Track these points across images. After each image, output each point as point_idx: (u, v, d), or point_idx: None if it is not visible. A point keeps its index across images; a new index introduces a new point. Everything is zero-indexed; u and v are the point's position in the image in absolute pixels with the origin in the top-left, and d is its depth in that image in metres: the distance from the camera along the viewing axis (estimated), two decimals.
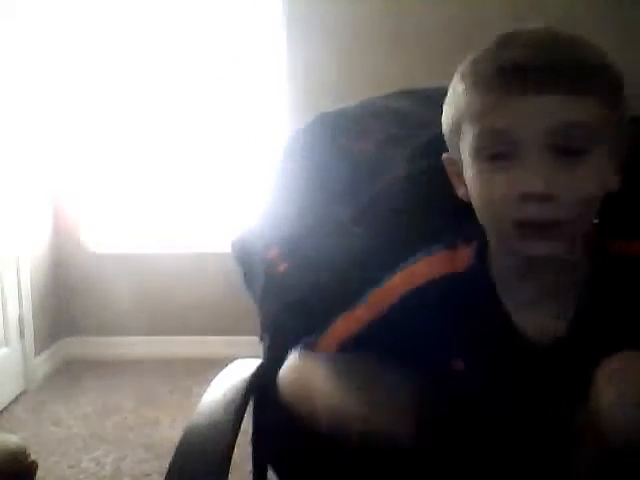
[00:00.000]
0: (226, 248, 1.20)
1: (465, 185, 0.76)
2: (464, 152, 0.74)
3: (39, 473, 1.50)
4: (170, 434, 2.41)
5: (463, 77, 0.73)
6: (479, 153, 0.71)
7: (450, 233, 0.84)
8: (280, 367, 0.89)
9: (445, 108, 0.78)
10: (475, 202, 0.74)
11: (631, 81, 2.65)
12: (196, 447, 0.86)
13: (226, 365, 1.09)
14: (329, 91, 2.60)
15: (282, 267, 1.02)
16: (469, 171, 0.73)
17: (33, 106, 2.95)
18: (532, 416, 0.79)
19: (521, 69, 0.67)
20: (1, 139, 2.69)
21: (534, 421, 0.79)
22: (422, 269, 0.83)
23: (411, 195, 0.99)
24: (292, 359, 0.87)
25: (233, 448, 0.88)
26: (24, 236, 2.84)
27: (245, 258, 1.12)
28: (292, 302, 1.00)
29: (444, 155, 0.81)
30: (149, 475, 2.15)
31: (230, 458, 0.86)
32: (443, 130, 0.79)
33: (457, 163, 0.77)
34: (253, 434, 1.06)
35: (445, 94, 0.79)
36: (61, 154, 3.11)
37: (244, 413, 0.95)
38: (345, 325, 0.86)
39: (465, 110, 0.72)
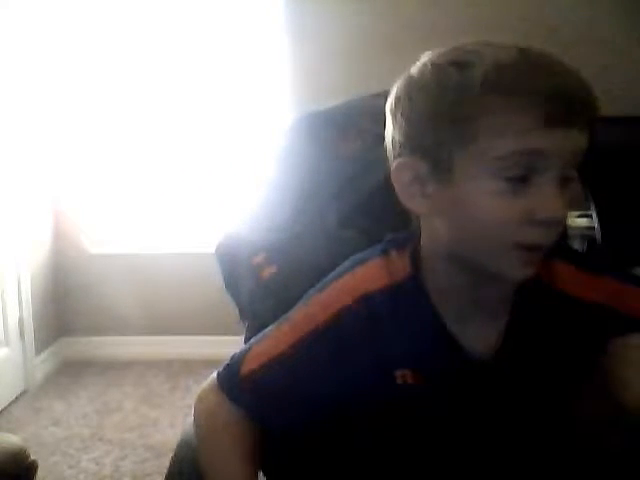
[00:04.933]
0: None
1: (428, 197, 0.73)
2: (470, 164, 0.68)
3: (39, 473, 1.49)
4: (170, 434, 2.41)
5: (484, 81, 0.67)
6: (499, 172, 0.67)
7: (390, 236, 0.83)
8: None
9: (431, 104, 0.70)
10: (472, 222, 0.70)
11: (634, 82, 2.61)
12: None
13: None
14: (331, 91, 2.60)
15: (268, 271, 1.00)
16: (475, 188, 0.68)
17: (32, 109, 2.95)
18: (471, 428, 0.80)
19: (565, 100, 0.66)
20: (1, 142, 2.70)
21: (472, 432, 0.80)
22: (357, 282, 0.80)
23: (393, 199, 0.96)
24: (210, 397, 0.86)
25: None
26: (24, 237, 2.85)
27: (229, 262, 1.10)
28: (282, 303, 0.96)
29: (401, 160, 0.74)
30: (149, 475, 2.15)
31: None
32: (416, 125, 0.72)
33: (421, 171, 0.72)
34: None
35: None
36: (61, 155, 3.12)
37: None
38: (266, 349, 0.84)
39: (486, 121, 0.67)
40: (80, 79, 3.08)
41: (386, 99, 0.85)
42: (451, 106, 0.68)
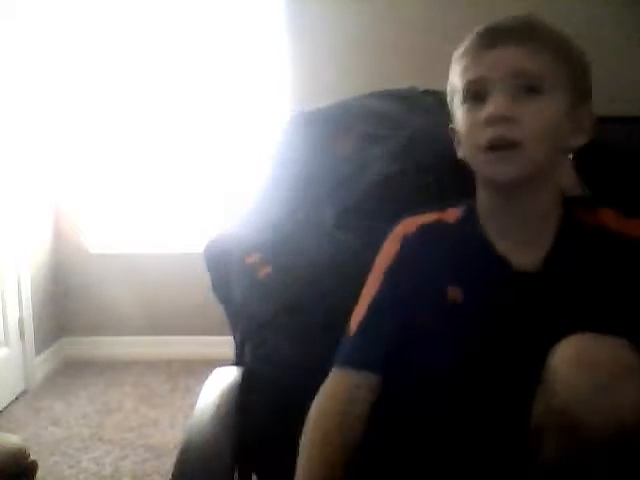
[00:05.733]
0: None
1: (459, 141, 0.92)
2: (458, 107, 0.91)
3: (39, 473, 1.50)
4: (170, 434, 2.41)
5: (457, 51, 0.93)
6: (465, 100, 0.89)
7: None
8: (264, 373, 0.94)
9: (449, 81, 0.95)
10: (462, 139, 0.91)
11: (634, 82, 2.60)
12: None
13: (226, 365, 1.09)
14: (331, 91, 2.60)
15: (264, 272, 1.04)
16: (460, 118, 0.90)
17: (32, 109, 2.95)
18: (518, 342, 0.86)
19: (490, 30, 0.89)
20: (1, 142, 2.70)
21: (514, 353, 0.86)
22: (412, 221, 0.95)
23: (388, 198, 1.04)
24: (331, 386, 0.89)
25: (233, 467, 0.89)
26: (24, 237, 2.85)
27: (219, 263, 1.14)
28: (282, 306, 1.00)
29: (450, 126, 0.97)
30: (149, 475, 2.15)
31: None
32: (448, 101, 0.96)
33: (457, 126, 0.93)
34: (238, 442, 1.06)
35: (419, 95, 0.95)
36: (60, 155, 3.12)
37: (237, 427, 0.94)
38: (361, 303, 0.93)
39: (457, 73, 0.91)
40: (79, 78, 3.08)
41: (381, 99, 0.91)
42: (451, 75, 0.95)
